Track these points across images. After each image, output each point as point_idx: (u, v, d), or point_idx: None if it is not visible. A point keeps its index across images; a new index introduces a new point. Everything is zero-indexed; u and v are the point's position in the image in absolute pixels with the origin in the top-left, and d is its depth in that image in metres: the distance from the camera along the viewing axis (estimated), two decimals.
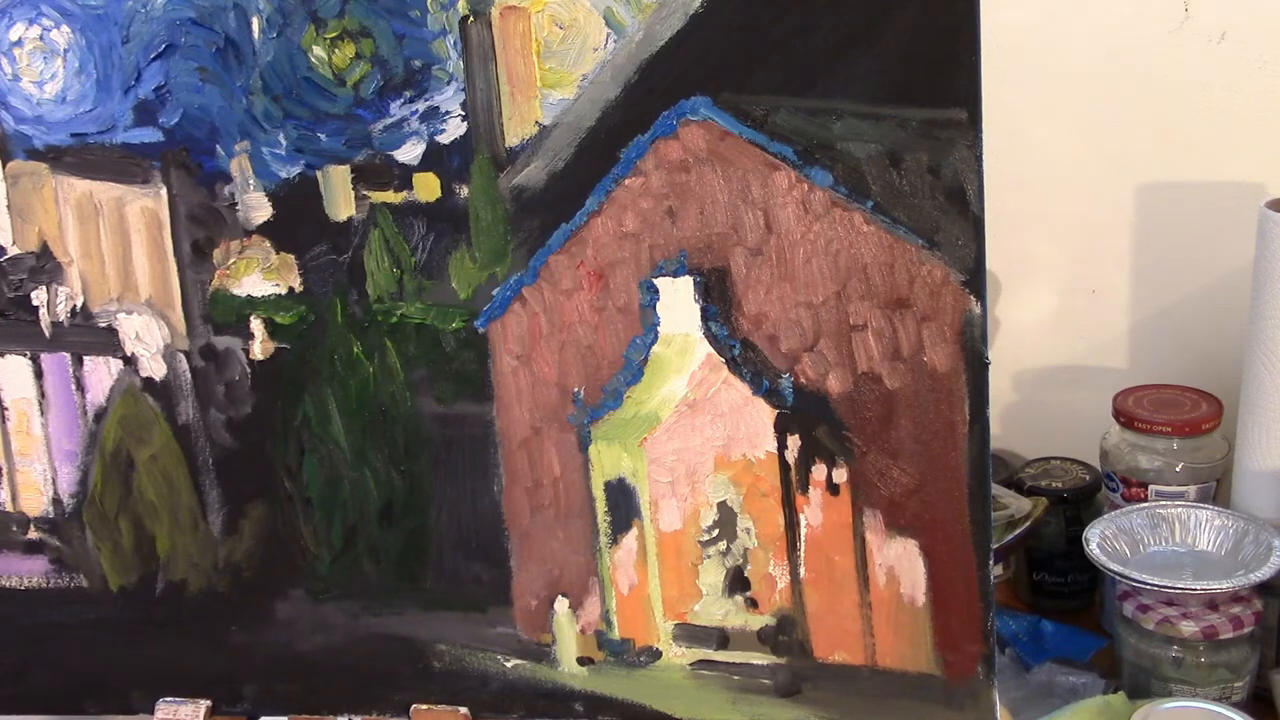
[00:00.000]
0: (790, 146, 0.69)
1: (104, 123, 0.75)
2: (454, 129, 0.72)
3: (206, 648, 0.82)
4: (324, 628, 0.81)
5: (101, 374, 0.79)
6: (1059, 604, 1.08)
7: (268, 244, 0.75)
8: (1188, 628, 0.88)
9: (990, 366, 0.70)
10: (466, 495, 0.78)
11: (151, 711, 0.83)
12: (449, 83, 0.71)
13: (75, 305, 0.78)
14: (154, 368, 0.78)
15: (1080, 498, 1.07)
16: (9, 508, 0.82)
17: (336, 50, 0.72)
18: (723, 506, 0.76)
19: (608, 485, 0.76)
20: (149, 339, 0.78)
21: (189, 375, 0.78)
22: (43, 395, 0.80)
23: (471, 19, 0.71)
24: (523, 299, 0.74)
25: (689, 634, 0.78)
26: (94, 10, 0.73)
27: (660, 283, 0.73)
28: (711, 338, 0.73)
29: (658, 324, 0.73)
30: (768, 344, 0.72)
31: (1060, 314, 1.19)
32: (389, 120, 0.72)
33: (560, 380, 0.75)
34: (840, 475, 0.73)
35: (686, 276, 0.72)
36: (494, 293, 0.74)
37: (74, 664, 0.84)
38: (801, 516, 0.74)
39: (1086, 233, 1.16)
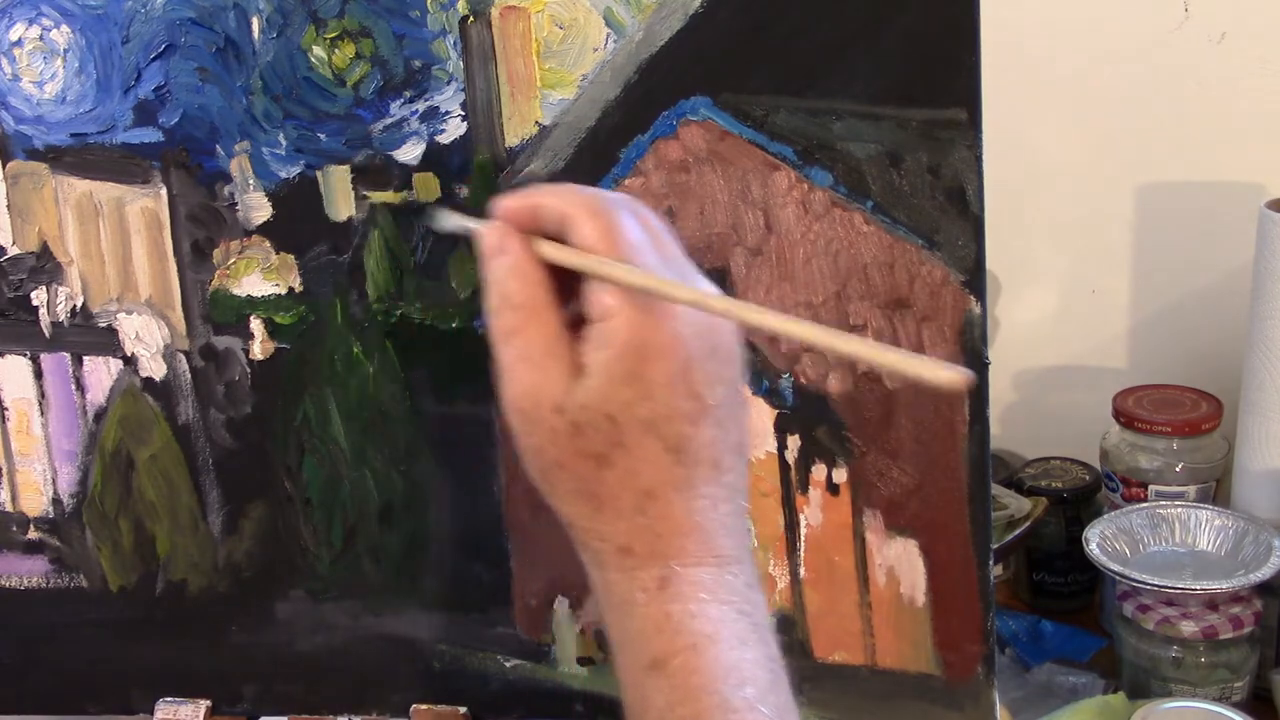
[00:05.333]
0: (790, 146, 0.69)
1: (104, 123, 0.75)
2: (454, 129, 0.72)
3: (206, 648, 0.82)
4: (324, 628, 0.81)
5: (101, 374, 0.79)
6: (1059, 604, 1.08)
7: (268, 244, 0.75)
8: (1188, 628, 0.88)
9: (990, 366, 0.70)
10: (466, 495, 0.78)
11: (151, 711, 0.83)
12: (449, 83, 0.71)
13: (75, 305, 0.78)
14: (154, 368, 0.78)
15: (1080, 498, 1.07)
16: (9, 508, 0.82)
17: (336, 50, 0.72)
18: None
19: None
20: (149, 339, 0.78)
21: (189, 375, 0.78)
22: (43, 395, 0.80)
23: (471, 19, 0.71)
24: None
25: None
26: (94, 10, 0.73)
27: None
28: None
29: None
30: (767, 344, 0.72)
31: (1060, 314, 1.20)
32: (389, 120, 0.72)
33: None
34: (840, 475, 0.73)
35: None
36: None
37: (74, 664, 0.84)
38: (801, 516, 0.74)
39: (1086, 233, 1.16)
